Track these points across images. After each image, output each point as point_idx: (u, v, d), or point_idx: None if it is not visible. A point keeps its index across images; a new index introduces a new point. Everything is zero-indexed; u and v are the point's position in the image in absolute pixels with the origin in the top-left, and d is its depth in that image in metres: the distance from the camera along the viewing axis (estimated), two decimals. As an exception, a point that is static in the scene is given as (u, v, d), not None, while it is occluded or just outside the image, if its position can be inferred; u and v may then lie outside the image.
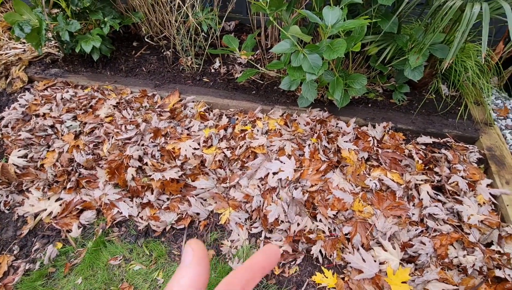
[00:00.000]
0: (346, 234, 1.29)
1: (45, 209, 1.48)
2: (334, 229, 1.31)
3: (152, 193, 1.47)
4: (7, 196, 1.53)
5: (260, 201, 1.37)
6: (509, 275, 1.10)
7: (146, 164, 1.50)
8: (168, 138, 1.57)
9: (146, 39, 2.15)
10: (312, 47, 1.35)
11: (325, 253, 1.26)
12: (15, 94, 1.99)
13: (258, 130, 1.61)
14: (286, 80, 1.58)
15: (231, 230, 1.40)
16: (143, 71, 2.06)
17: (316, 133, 1.58)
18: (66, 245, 1.41)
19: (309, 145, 1.52)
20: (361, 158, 1.50)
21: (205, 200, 1.48)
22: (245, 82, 1.96)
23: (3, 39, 2.32)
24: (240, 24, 2.44)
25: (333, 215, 1.32)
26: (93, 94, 1.83)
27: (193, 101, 1.82)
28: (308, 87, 1.49)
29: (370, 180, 1.39)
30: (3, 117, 1.71)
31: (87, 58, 2.11)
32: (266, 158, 1.49)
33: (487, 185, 1.38)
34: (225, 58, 2.14)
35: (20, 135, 1.58)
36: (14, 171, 1.55)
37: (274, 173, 1.42)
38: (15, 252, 1.40)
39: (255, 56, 2.10)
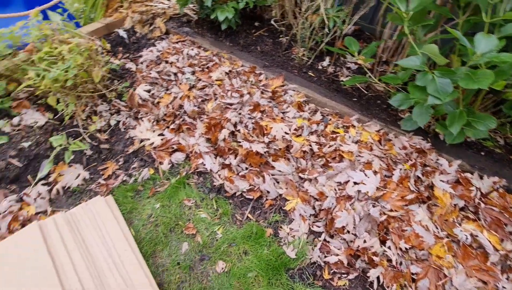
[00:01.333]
0: (413, 274, 1.19)
1: (149, 139, 1.76)
2: (401, 263, 1.22)
3: (235, 158, 1.60)
4: (126, 118, 1.86)
5: (332, 203, 1.36)
6: None
7: (239, 131, 1.63)
8: (264, 115, 1.68)
9: (272, 22, 2.28)
10: (446, 71, 1.25)
11: (383, 282, 1.20)
12: (152, 40, 2.37)
13: (349, 137, 1.59)
14: (399, 98, 1.51)
15: (293, 219, 1.43)
16: (257, 50, 2.21)
17: (412, 161, 1.47)
18: (156, 173, 1.66)
19: (400, 169, 1.43)
20: (455, 204, 1.35)
21: (278, 182, 1.54)
22: (349, 87, 1.93)
23: (156, -6, 2.75)
24: (360, 31, 2.39)
25: (406, 248, 1.23)
26: (211, 58, 2.05)
27: (294, 90, 1.89)
28: (422, 111, 1.39)
29: (461, 230, 1.24)
30: (141, 55, 2.06)
31: (214, 26, 2.36)
32: (351, 165, 1.46)
33: None
34: (335, 59, 2.14)
35: (150, 73, 1.88)
36: (138, 100, 1.86)
37: (355, 183, 1.39)
38: (119, 163, 1.70)
39: (368, 65, 2.04)
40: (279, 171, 1.54)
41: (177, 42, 2.16)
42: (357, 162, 1.48)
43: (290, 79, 1.97)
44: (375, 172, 1.42)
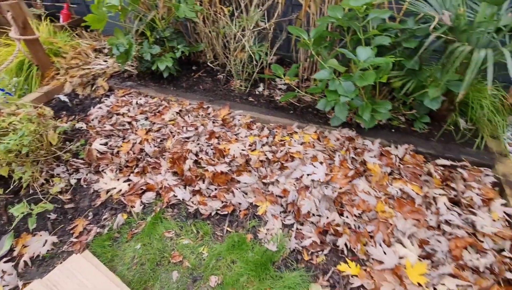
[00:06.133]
0: (369, 232, 1.47)
1: (115, 188, 1.81)
2: (359, 227, 1.50)
3: (204, 183, 1.76)
4: (86, 174, 1.88)
5: (295, 196, 1.61)
6: (519, 278, 1.22)
7: (202, 159, 1.82)
8: (220, 140, 1.90)
9: (209, 64, 2.62)
10: (347, 76, 1.68)
11: (350, 246, 1.45)
12: (97, 98, 2.47)
13: (295, 141, 1.91)
14: (322, 102, 1.90)
15: (267, 220, 1.63)
16: (200, 88, 2.49)
17: (345, 147, 1.84)
18: (130, 217, 1.70)
19: (338, 155, 1.78)
20: (385, 172, 1.72)
21: (247, 193, 1.74)
22: (284, 103, 2.31)
23: (92, 57, 2.90)
24: (281, 59, 2.88)
25: (358, 214, 1.52)
26: (160, 103, 2.25)
27: (240, 115, 2.18)
28: (341, 108, 1.80)
29: (392, 188, 1.60)
30: (91, 113, 2.14)
31: (156, 76, 2.59)
32: (301, 162, 1.75)
33: (502, 204, 1.53)
34: (268, 84, 2.54)
35: (105, 126, 1.98)
36: (96, 155, 1.92)
37: (308, 175, 1.67)
38: (89, 218, 1.70)
39: (294, 83, 2.48)
40: (245, 183, 1.75)
41: (124, 96, 2.32)
42: (305, 159, 1.78)
43: (234, 107, 2.27)
44: (321, 163, 1.74)
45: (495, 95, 2.08)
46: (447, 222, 1.44)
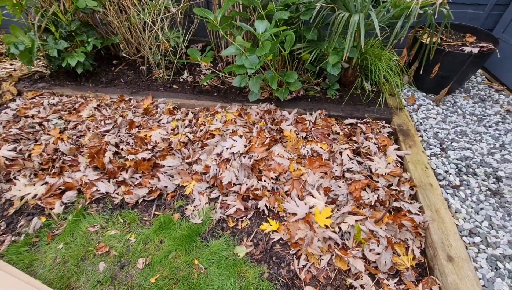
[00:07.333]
0: (286, 191, 1.60)
1: (30, 193, 1.70)
2: (277, 188, 1.62)
3: (127, 172, 1.74)
4: (-5, 185, 1.74)
5: (216, 169, 1.68)
6: (402, 205, 1.44)
7: (122, 149, 1.79)
8: (141, 129, 1.89)
9: (124, 54, 2.53)
10: (251, 50, 1.78)
11: (269, 206, 1.56)
12: (4, 105, 2.26)
13: (217, 120, 1.97)
14: (237, 79, 1.98)
15: (194, 198, 1.68)
16: (121, 82, 2.41)
17: (264, 119, 1.95)
18: (50, 219, 1.62)
19: (256, 127, 1.88)
20: (300, 136, 1.87)
21: (172, 176, 1.76)
22: (208, 87, 2.35)
23: (-5, 62, 2.63)
24: (206, 46, 2.90)
25: (275, 176, 1.64)
26: (76, 100, 2.14)
27: (164, 103, 2.17)
28: (254, 82, 1.89)
29: (305, 148, 1.75)
30: (-5, 120, 1.96)
31: (72, 73, 2.45)
32: (221, 138, 1.82)
33: (395, 149, 1.77)
34: (192, 70, 2.55)
35: (11, 131, 1.83)
36: (4, 162, 1.78)
37: (227, 148, 1.75)
38: (1, 228, 1.59)
39: (217, 68, 2.53)
40: (169, 166, 1.77)
41: (33, 97, 2.16)
42: (225, 135, 1.85)
43: (158, 96, 2.25)
44: (240, 136, 1.82)
45: (391, 59, 2.36)
46: (348, 170, 1.63)
